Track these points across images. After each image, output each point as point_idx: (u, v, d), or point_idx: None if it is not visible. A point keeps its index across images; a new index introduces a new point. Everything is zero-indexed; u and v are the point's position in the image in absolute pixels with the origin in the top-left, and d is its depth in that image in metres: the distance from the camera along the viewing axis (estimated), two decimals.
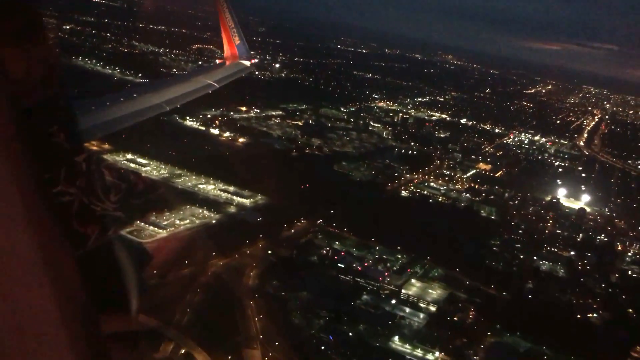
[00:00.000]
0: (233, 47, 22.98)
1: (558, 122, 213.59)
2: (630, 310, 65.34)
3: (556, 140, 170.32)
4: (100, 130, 11.26)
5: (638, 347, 56.94)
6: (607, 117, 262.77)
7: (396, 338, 50.09)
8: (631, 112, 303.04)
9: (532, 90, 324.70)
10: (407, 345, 49.36)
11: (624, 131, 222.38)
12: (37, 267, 1.46)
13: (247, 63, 23.26)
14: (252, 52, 25.07)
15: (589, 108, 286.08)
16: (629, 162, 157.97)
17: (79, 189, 2.22)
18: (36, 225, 1.48)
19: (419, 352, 48.79)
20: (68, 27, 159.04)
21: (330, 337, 47.52)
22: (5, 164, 1.43)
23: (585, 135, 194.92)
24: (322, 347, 46.42)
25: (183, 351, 42.68)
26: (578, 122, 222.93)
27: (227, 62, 22.61)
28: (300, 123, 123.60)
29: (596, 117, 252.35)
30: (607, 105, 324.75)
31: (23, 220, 1.45)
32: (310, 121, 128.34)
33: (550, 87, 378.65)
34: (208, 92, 17.62)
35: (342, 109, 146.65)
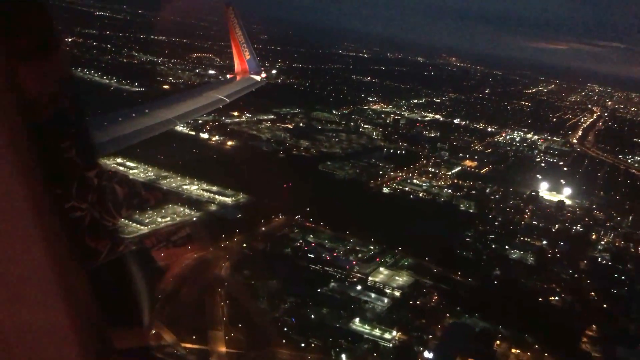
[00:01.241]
0: (243, 61, 23.11)
1: (554, 120, 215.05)
2: (592, 293, 68.15)
3: (549, 137, 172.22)
4: (112, 145, 11.60)
5: (594, 327, 59.98)
6: (606, 114, 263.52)
7: (357, 320, 53.47)
8: (633, 109, 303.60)
9: (534, 90, 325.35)
10: (366, 326, 52.69)
11: (621, 128, 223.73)
12: (49, 282, 1.47)
13: (258, 78, 23.25)
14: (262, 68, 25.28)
15: (589, 106, 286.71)
16: (620, 157, 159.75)
17: (90, 204, 2.24)
18: (48, 240, 1.48)
19: (376, 332, 52.11)
20: (70, 40, 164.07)
21: (293, 319, 51.08)
22: (17, 179, 1.43)
23: (580, 132, 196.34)
24: (284, 329, 49.96)
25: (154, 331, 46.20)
26: (575, 120, 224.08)
27: (238, 77, 22.77)
28: (290, 126, 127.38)
29: (595, 115, 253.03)
30: (609, 102, 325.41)
31: (35, 235, 1.45)
32: (301, 124, 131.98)
33: (552, 86, 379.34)
34: (219, 107, 18.21)
35: (334, 112, 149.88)
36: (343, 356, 47.39)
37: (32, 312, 1.45)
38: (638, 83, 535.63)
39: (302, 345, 48.05)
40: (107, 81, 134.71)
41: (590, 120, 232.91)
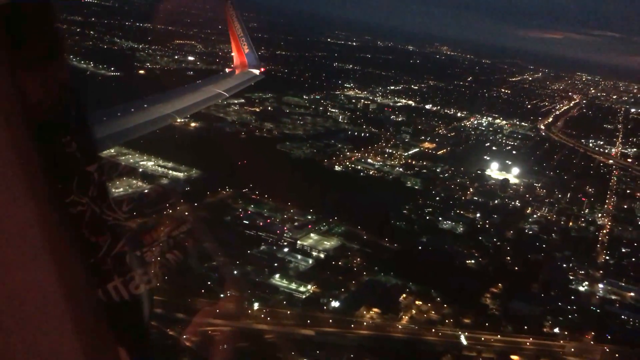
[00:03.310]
0: (242, 55, 23.41)
1: (529, 107, 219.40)
2: (508, 258, 74.29)
3: (517, 122, 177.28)
4: (112, 140, 11.70)
5: (499, 285, 66.17)
6: (584, 101, 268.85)
7: (277, 276, 59.64)
8: (615, 96, 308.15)
9: (518, 78, 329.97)
10: (285, 281, 58.83)
11: (594, 114, 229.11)
12: (50, 277, 1.48)
13: (257, 72, 23.57)
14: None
15: (570, 94, 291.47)
16: (582, 141, 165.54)
17: (90, 199, 2.26)
18: (49, 234, 1.50)
19: (293, 286, 58.24)
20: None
21: (216, 274, 57.11)
22: (18, 174, 1.45)
23: (551, 118, 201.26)
24: (208, 282, 55.98)
25: None
26: (550, 107, 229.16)
27: (237, 71, 23.13)
28: (258, 110, 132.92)
29: (572, 102, 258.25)
30: (593, 90, 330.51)
31: (36, 229, 1.47)
32: (270, 108, 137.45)
33: (539, 74, 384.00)
34: (218, 102, 20.64)
35: (305, 97, 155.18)
36: (255, 304, 53.45)
37: (32, 307, 1.47)
38: (628, 72, 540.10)
39: (221, 296, 54.13)
40: (84, 66, 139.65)
41: (566, 107, 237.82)
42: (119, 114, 13.49)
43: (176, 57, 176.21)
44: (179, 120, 15.42)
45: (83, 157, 2.22)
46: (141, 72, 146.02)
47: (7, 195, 1.45)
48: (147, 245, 2.86)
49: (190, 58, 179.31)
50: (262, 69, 24.69)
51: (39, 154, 1.57)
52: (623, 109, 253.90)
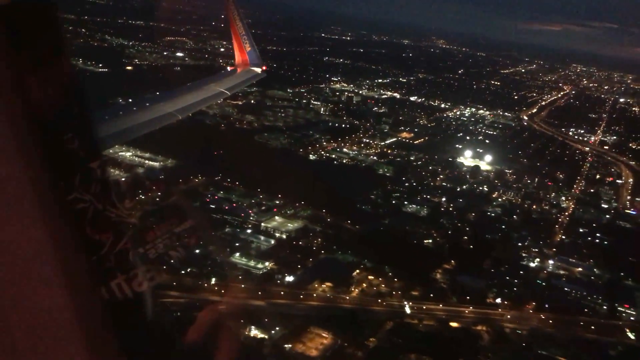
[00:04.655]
0: (244, 53, 23.13)
1: (515, 98, 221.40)
2: (465, 237, 77.94)
3: (500, 113, 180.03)
4: (114, 139, 11.62)
5: (452, 262, 69.89)
6: (574, 92, 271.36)
7: (237, 254, 63.48)
8: (606, 87, 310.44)
9: (511, 70, 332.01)
10: (244, 259, 62.66)
11: (580, 104, 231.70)
12: (53, 274, 1.49)
13: (259, 70, 23.32)
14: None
15: (561, 85, 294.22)
16: (562, 130, 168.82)
17: (93, 196, 2.24)
18: (52, 231, 1.50)
19: (251, 263, 62.11)
20: None
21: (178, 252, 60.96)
22: (21, 172, 1.46)
23: (535, 109, 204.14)
24: (171, 261, 59.79)
25: None
26: (537, 98, 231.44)
27: (239, 69, 22.93)
28: (240, 103, 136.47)
29: (561, 93, 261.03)
30: (585, 81, 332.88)
31: (39, 226, 1.47)
32: (252, 101, 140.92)
33: (534, 66, 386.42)
34: (219, 100, 19.57)
35: (289, 91, 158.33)
36: (213, 279, 57.28)
37: (36, 305, 1.47)
38: (625, 62, 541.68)
39: (182, 272, 57.98)
40: (73, 62, 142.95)
41: (554, 98, 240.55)
42: (121, 112, 13.71)
43: (165, 53, 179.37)
44: (180, 118, 15.12)
45: (85, 154, 2.21)
46: (128, 68, 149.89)
47: (10, 192, 1.45)
48: (151, 242, 2.93)
49: (179, 54, 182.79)
50: (264, 67, 24.33)
51: (42, 151, 1.59)
52: (612, 99, 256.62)
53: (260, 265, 61.97)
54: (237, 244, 66.11)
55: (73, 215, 2.08)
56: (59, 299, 1.50)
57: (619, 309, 62.91)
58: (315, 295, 58.36)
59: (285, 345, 49.35)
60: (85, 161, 2.19)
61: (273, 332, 50.72)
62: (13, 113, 1.50)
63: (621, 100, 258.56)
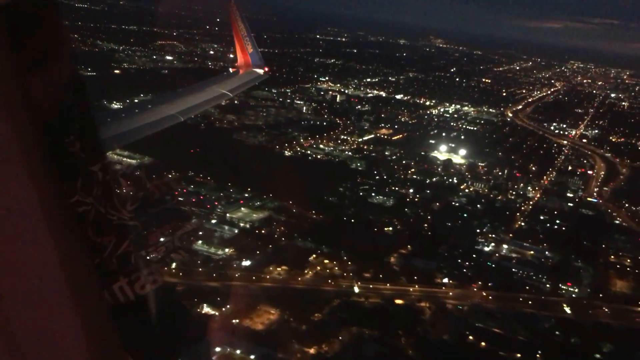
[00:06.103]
0: (246, 55, 23.17)
1: (504, 94, 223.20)
2: (425, 225, 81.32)
3: (484, 109, 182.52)
4: (116, 141, 11.60)
5: (408, 247, 73.26)
6: (565, 88, 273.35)
7: (199, 242, 67.13)
8: (600, 83, 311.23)
9: (505, 68, 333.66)
10: (205, 246, 66.35)
11: (569, 100, 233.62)
12: (56, 276, 1.49)
13: (261, 71, 23.35)
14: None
15: (553, 81, 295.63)
16: (544, 125, 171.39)
17: (95, 199, 2.23)
18: (54, 234, 1.50)
19: (212, 250, 65.79)
20: None
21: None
22: (23, 174, 1.45)
23: (521, 105, 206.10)
24: (173, 263, 62.91)
25: None
26: (525, 94, 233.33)
27: (241, 71, 22.91)
28: (223, 103, 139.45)
29: (552, 89, 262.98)
30: (579, 78, 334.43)
31: (41, 229, 1.47)
32: (236, 102, 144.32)
33: (530, 64, 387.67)
34: (221, 102, 19.98)
35: (274, 91, 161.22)
36: (173, 264, 60.89)
37: (39, 308, 1.48)
38: (623, 59, 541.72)
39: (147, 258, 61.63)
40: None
41: (543, 94, 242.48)
42: (123, 114, 13.85)
43: (154, 57, 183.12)
44: (182, 120, 15.57)
45: (87, 157, 2.20)
46: (116, 71, 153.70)
47: (12, 195, 1.44)
48: (152, 244, 3.01)
49: (169, 57, 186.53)
50: (267, 69, 24.49)
51: (43, 153, 1.58)
52: (603, 94, 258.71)
53: (220, 252, 65.59)
54: (200, 233, 69.63)
55: (75, 218, 2.11)
56: (62, 302, 1.51)
57: (561, 287, 66.22)
58: (269, 277, 61.93)
59: (234, 320, 52.89)
60: (86, 164, 2.23)
61: (224, 309, 54.30)
62: (14, 114, 1.48)
63: (612, 95, 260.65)
